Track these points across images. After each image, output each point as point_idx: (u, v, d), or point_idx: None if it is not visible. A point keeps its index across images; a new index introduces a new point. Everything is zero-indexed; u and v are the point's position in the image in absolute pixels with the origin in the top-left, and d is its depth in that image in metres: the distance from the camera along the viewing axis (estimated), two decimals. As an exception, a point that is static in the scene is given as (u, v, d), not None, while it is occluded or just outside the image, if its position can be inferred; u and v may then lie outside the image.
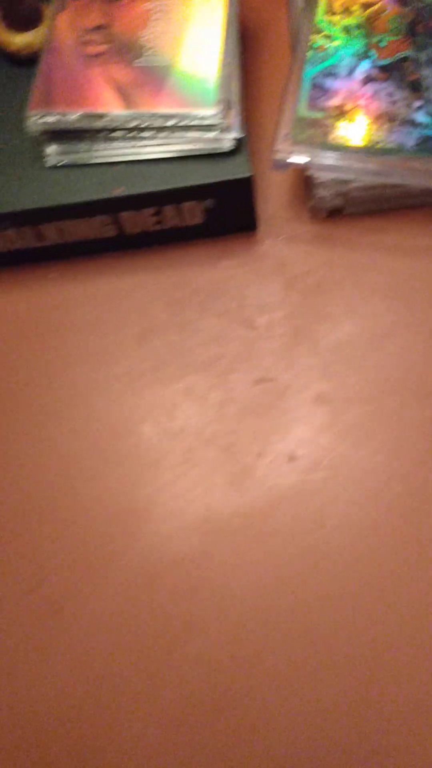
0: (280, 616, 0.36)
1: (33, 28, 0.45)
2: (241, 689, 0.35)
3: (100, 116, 0.40)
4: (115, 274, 0.46)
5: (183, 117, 0.39)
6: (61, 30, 0.43)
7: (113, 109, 0.39)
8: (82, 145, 0.41)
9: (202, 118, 0.38)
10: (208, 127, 0.39)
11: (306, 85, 0.42)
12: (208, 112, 0.38)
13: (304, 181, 0.46)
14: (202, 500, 0.39)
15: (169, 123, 0.39)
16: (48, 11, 0.45)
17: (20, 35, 0.44)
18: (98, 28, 0.43)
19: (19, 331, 0.45)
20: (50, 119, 0.40)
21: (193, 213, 0.43)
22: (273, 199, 0.47)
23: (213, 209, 0.43)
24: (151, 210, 0.42)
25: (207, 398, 0.42)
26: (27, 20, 0.44)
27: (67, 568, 0.38)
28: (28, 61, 0.45)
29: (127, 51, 0.42)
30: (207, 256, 0.46)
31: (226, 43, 0.41)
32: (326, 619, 0.36)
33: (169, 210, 0.43)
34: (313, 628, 0.36)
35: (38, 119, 0.40)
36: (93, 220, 0.43)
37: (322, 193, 0.43)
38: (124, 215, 0.43)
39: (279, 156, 0.40)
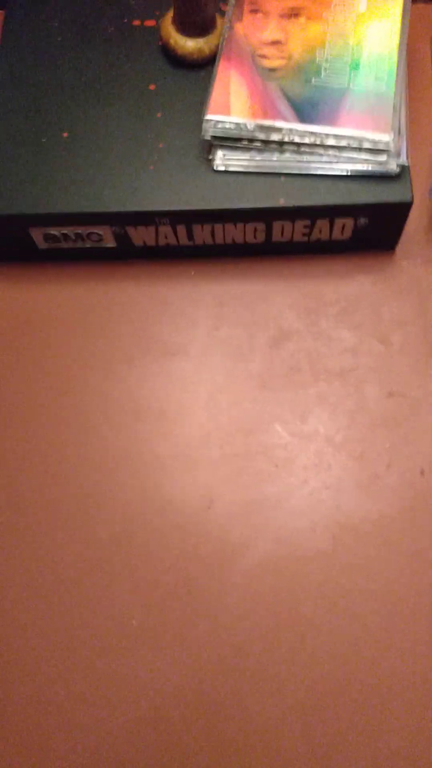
0: (405, 621, 0.39)
1: (205, 35, 0.47)
2: (363, 687, 0.38)
3: (276, 129, 0.42)
4: (254, 278, 0.48)
5: (358, 139, 0.41)
6: (237, 41, 0.45)
7: (289, 123, 0.41)
8: (251, 154, 0.43)
9: (377, 142, 0.40)
10: (380, 151, 0.41)
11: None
12: (384, 137, 0.40)
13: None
14: (333, 501, 0.41)
15: (342, 143, 0.41)
16: (222, 21, 0.47)
17: (193, 40, 0.46)
18: (275, 42, 0.45)
19: (153, 321, 0.47)
20: (227, 126, 0.42)
21: (343, 229, 0.45)
22: (412, 222, 0.49)
23: (363, 227, 0.45)
24: (305, 222, 0.44)
25: (339, 406, 0.44)
26: (201, 27, 0.46)
27: (196, 555, 0.41)
28: (196, 64, 0.47)
29: (303, 68, 0.44)
30: (344, 269, 0.48)
31: (398, 70, 0.43)
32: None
33: (321, 224, 0.45)
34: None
35: (215, 125, 0.42)
36: (247, 226, 0.45)
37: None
38: (277, 224, 0.45)
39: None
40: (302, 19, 0.45)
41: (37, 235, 0.46)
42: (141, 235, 0.46)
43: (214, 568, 0.40)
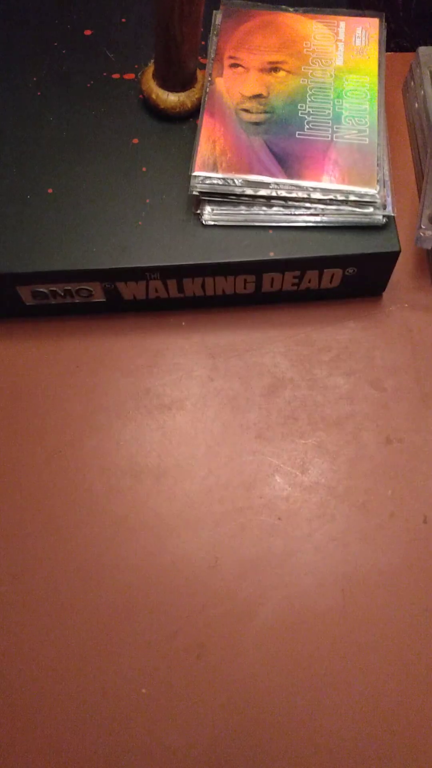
0: (420, 672, 0.38)
1: (187, 89, 0.47)
2: (382, 742, 0.37)
3: (264, 184, 0.42)
4: (246, 327, 0.48)
5: (345, 192, 0.41)
6: (219, 95, 0.46)
7: (276, 178, 0.42)
8: (240, 209, 0.43)
9: (363, 195, 0.41)
10: (366, 204, 0.41)
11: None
12: (370, 190, 0.41)
13: (428, 253, 0.49)
14: (340, 554, 0.41)
15: (329, 197, 0.42)
16: (202, 75, 0.48)
17: (175, 94, 0.46)
18: (257, 96, 0.45)
19: (146, 374, 0.46)
20: (214, 182, 0.42)
21: (332, 279, 0.45)
22: (398, 269, 0.49)
23: (352, 276, 0.45)
24: (294, 273, 0.45)
25: (339, 455, 0.44)
26: (182, 82, 0.46)
27: (204, 617, 0.40)
28: (179, 117, 0.48)
29: (287, 122, 0.44)
30: (334, 317, 0.48)
31: (379, 122, 0.44)
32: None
33: (311, 274, 0.45)
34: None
35: (202, 180, 0.42)
36: (237, 278, 0.45)
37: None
38: (267, 276, 0.45)
39: (423, 234, 0.43)
40: (282, 74, 0.46)
41: (24, 292, 0.45)
42: (131, 290, 0.45)
43: (223, 629, 0.39)
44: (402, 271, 0.50)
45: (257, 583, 0.41)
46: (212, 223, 0.44)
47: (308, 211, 0.43)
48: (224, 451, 0.44)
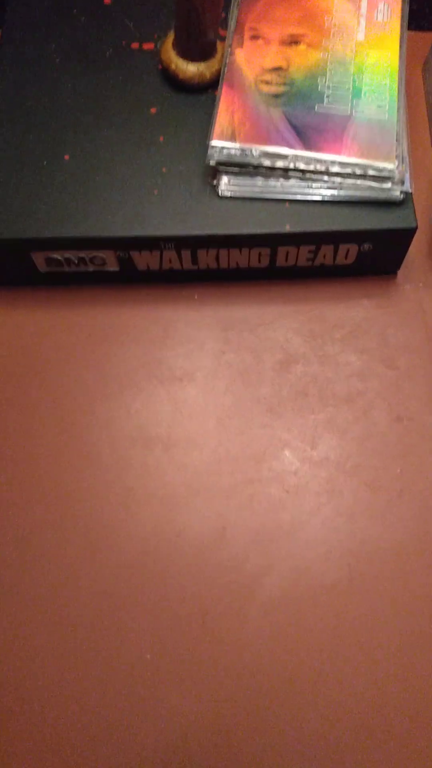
0: (425, 650, 0.38)
1: (206, 59, 0.46)
2: (384, 719, 0.37)
3: (282, 156, 0.42)
4: (259, 302, 0.48)
5: (363, 167, 0.41)
6: (238, 67, 0.45)
7: (294, 150, 0.42)
8: (256, 180, 0.43)
9: (381, 170, 0.41)
10: (384, 179, 0.41)
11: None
12: (389, 165, 0.41)
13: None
14: (348, 529, 0.41)
15: (347, 170, 0.41)
16: (222, 46, 0.47)
17: (194, 65, 0.46)
18: (276, 69, 0.45)
19: (158, 346, 0.46)
20: (231, 152, 0.42)
21: (347, 254, 0.45)
22: (413, 247, 0.49)
23: (367, 253, 0.45)
24: (309, 247, 0.45)
25: (348, 431, 0.44)
26: (202, 52, 0.46)
27: (212, 587, 0.40)
28: (197, 88, 0.47)
29: (306, 95, 0.44)
30: (347, 294, 0.48)
31: (399, 99, 0.44)
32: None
33: (326, 249, 0.45)
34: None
35: (220, 151, 0.42)
36: (252, 251, 0.45)
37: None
38: (282, 249, 0.45)
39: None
40: (302, 47, 0.46)
41: (38, 259, 0.45)
42: (145, 260, 0.45)
43: (230, 599, 0.40)
44: (417, 251, 0.49)
45: (264, 555, 0.41)
46: (228, 194, 0.43)
47: (325, 185, 0.43)
48: (234, 423, 0.44)
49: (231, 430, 0.44)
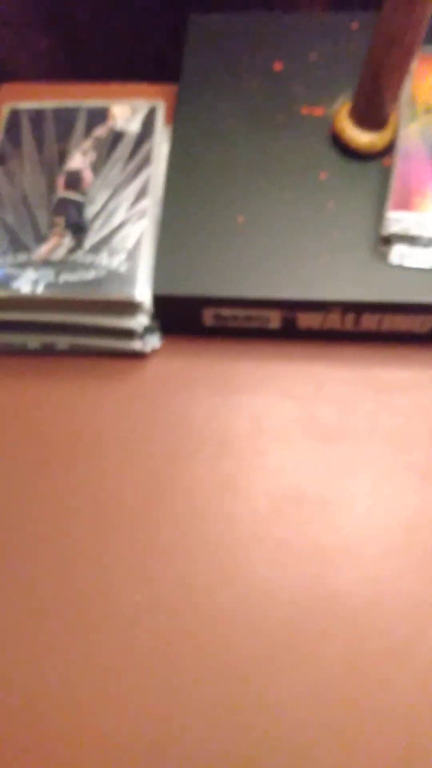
0: None
1: (379, 129, 0.48)
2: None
3: (460, 230, 0.42)
4: (416, 365, 0.48)
5: None
6: (413, 138, 0.46)
7: (473, 225, 0.42)
8: (430, 251, 0.44)
9: None
10: None
11: None
12: None
13: None
14: None
15: None
16: (395, 116, 0.48)
17: (367, 134, 0.48)
18: (453, 142, 0.46)
19: (311, 403, 0.47)
20: (407, 224, 0.43)
21: None
22: None
23: None
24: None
25: None
26: (377, 122, 0.48)
27: (362, 652, 0.40)
28: (368, 156, 0.49)
29: None
30: None
31: None
32: None
33: None
34: None
35: (396, 222, 0.43)
36: (417, 317, 0.45)
37: None
38: (446, 317, 0.45)
39: None
40: None
41: (207, 314, 0.47)
42: (308, 320, 0.47)
43: (380, 666, 0.40)
44: None
45: (416, 627, 0.40)
46: (400, 263, 0.44)
47: None
48: (389, 488, 0.44)
49: (385, 495, 0.44)
